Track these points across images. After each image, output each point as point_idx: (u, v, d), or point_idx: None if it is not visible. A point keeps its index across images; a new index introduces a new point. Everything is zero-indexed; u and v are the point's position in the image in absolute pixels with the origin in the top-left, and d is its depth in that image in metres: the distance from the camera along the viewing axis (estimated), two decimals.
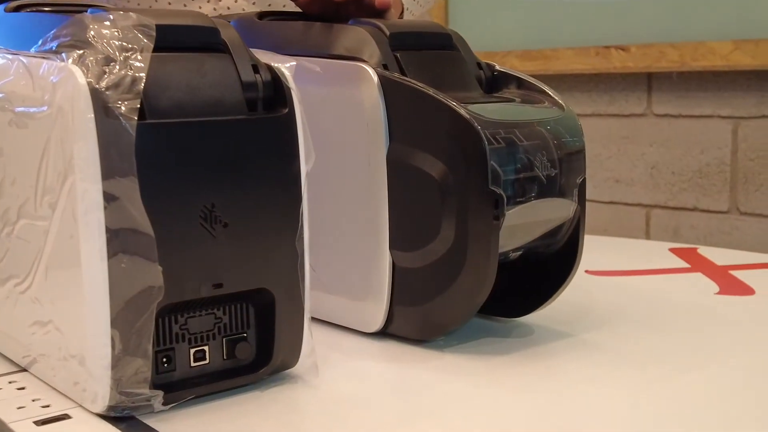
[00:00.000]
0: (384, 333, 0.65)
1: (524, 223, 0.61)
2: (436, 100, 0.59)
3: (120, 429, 0.49)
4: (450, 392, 0.55)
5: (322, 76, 0.64)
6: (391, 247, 0.63)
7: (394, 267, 0.63)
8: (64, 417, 0.51)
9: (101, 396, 0.49)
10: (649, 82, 1.74)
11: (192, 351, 0.52)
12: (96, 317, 0.48)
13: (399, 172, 0.61)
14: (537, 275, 0.67)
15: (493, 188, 0.58)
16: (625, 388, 0.56)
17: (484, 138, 0.58)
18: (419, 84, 0.60)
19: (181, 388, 0.52)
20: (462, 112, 0.58)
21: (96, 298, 0.48)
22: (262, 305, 0.54)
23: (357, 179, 0.64)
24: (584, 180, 0.64)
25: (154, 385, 0.50)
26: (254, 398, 0.54)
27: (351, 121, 0.63)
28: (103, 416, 0.50)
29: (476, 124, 0.58)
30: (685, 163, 1.71)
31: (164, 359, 0.52)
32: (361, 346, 0.64)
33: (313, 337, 0.56)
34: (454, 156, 0.59)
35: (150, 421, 0.50)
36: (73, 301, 0.50)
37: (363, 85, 0.62)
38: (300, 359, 0.56)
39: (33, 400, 0.53)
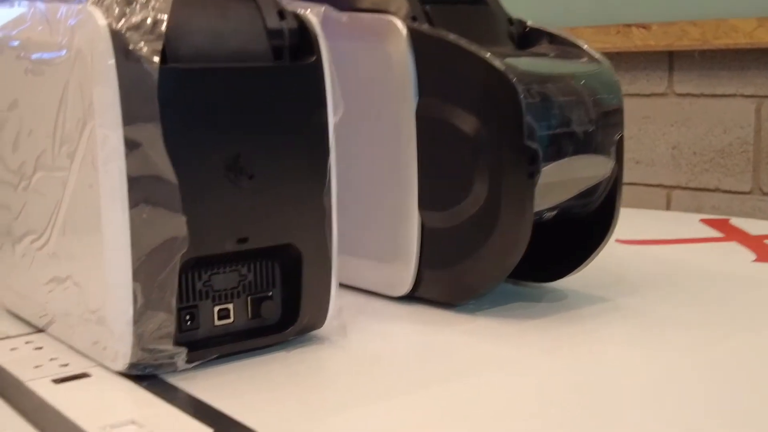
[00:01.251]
0: (412, 297, 0.63)
1: (560, 181, 0.58)
2: (468, 52, 0.57)
3: (142, 387, 0.47)
4: (481, 354, 0.53)
5: (349, 29, 0.62)
6: (419, 207, 0.60)
7: (423, 228, 0.61)
8: (84, 375, 0.49)
9: (122, 353, 0.47)
10: (671, 60, 1.71)
11: (216, 309, 0.50)
12: (117, 270, 0.46)
13: (429, 129, 0.59)
14: (570, 238, 0.64)
15: (528, 143, 0.55)
16: (662, 353, 0.53)
17: (519, 90, 0.55)
18: (450, 36, 0.58)
19: (204, 346, 0.50)
20: (496, 63, 0.56)
21: (117, 249, 0.46)
22: (289, 263, 0.52)
23: (385, 137, 0.61)
24: (622, 137, 0.61)
25: (177, 343, 0.48)
26: (280, 358, 0.52)
27: (379, 76, 0.61)
28: (124, 374, 0.48)
29: (511, 76, 0.55)
30: (707, 143, 1.67)
31: (187, 317, 0.49)
32: (389, 310, 0.62)
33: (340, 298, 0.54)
34: (487, 110, 0.56)
35: (172, 380, 0.48)
36: (93, 254, 0.47)
37: (391, 38, 0.59)
38: (327, 320, 0.54)
39: (51, 360, 0.51)
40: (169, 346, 0.47)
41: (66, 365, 0.50)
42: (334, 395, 0.47)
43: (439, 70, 0.58)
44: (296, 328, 0.53)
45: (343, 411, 0.45)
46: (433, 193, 0.60)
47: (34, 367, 0.49)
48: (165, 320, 0.47)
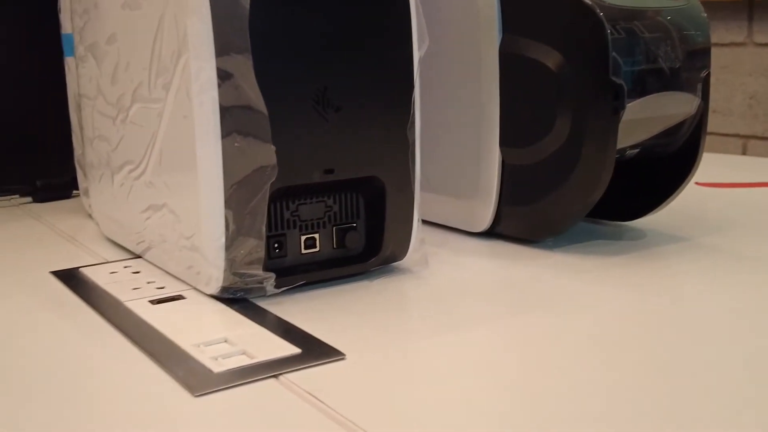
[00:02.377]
0: (491, 233, 0.62)
1: (644, 119, 0.56)
2: None
3: (233, 309, 0.47)
4: (560, 287, 0.52)
5: None
6: (500, 144, 0.59)
7: (504, 164, 0.59)
8: (179, 297, 0.49)
9: (215, 278, 0.48)
10: (750, 9, 1.64)
11: (303, 238, 0.50)
12: (210, 197, 0.46)
13: (512, 64, 0.57)
14: (651, 177, 0.62)
15: (613, 79, 0.53)
16: (746, 293, 0.51)
17: (606, 25, 0.53)
18: None
19: (291, 273, 0.50)
20: None
21: (210, 177, 0.46)
22: (373, 195, 0.52)
23: (467, 73, 0.60)
24: (708, 74, 0.58)
25: (266, 270, 0.48)
26: (364, 287, 0.52)
27: (462, 11, 0.59)
28: (217, 297, 0.49)
29: (598, 11, 0.53)
30: None
31: (276, 245, 0.50)
32: (469, 245, 0.61)
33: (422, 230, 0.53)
34: (572, 45, 0.54)
35: (262, 304, 0.48)
36: (187, 182, 0.48)
37: None
38: (409, 252, 0.54)
39: (148, 282, 0.52)
40: (258, 271, 0.47)
41: (162, 288, 0.51)
42: (414, 323, 0.47)
43: (524, 6, 0.57)
44: (379, 259, 0.53)
45: (423, 338, 0.45)
46: (514, 130, 0.58)
47: (132, 289, 0.50)
48: (255, 246, 0.47)
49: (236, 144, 0.46)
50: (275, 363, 0.40)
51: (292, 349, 0.42)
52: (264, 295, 0.49)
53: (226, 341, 0.43)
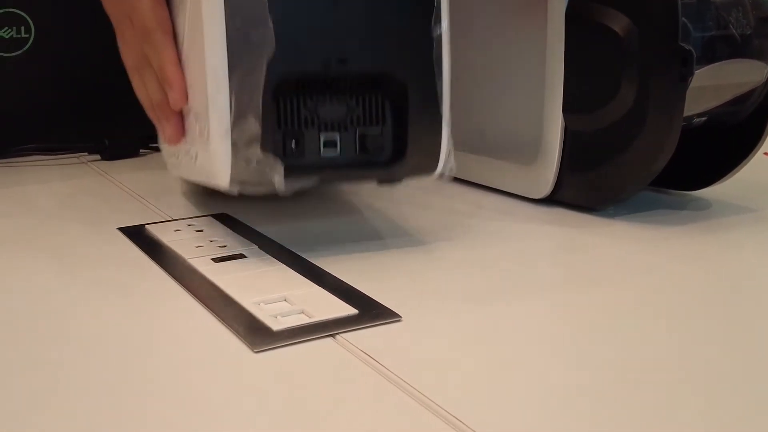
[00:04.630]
0: (552, 200, 0.61)
1: (713, 86, 0.55)
2: None
3: (292, 269, 0.48)
4: (620, 256, 0.52)
5: None
6: (564, 110, 0.58)
7: (566, 130, 0.59)
8: (240, 256, 0.50)
9: (224, 168, 0.47)
10: None
11: (322, 138, 0.49)
12: (215, 79, 0.46)
13: (578, 29, 0.57)
14: (718, 147, 0.61)
15: (682, 45, 0.52)
16: None
17: None
18: None
19: (308, 173, 0.49)
20: None
21: (214, 62, 0.46)
22: (398, 99, 0.49)
23: (533, 37, 0.59)
24: None
25: (283, 169, 0.47)
26: (421, 251, 0.52)
27: None
28: (276, 258, 0.50)
29: None
30: None
31: (292, 141, 0.48)
32: (528, 211, 0.61)
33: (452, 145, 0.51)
34: (640, 9, 0.53)
35: (320, 264, 0.49)
36: (199, 72, 0.48)
37: None
38: (439, 167, 0.51)
39: (210, 241, 0.53)
40: (257, 152, 0.46)
41: (224, 246, 0.52)
42: (471, 287, 0.47)
43: None
44: (404, 168, 0.50)
45: (479, 303, 0.45)
46: (578, 96, 0.58)
47: (196, 247, 0.52)
48: (253, 125, 0.46)
49: (237, 27, 0.46)
50: (332, 323, 0.41)
51: (349, 310, 0.42)
52: (278, 194, 0.48)
53: (285, 300, 0.44)
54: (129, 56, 0.56)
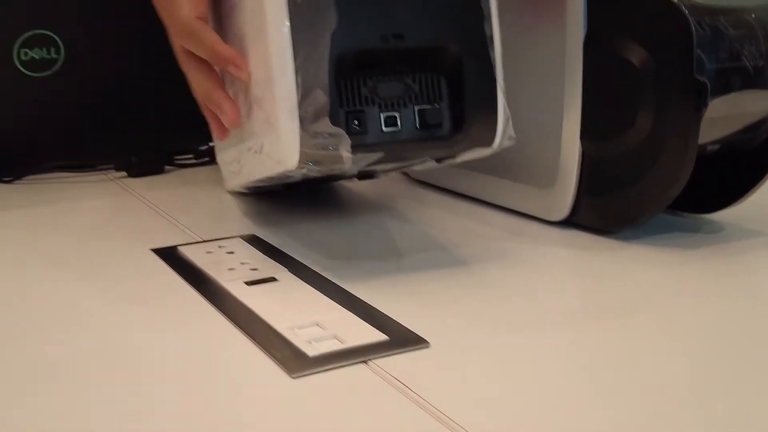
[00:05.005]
0: (569, 222, 0.63)
1: (726, 116, 0.57)
2: None
3: (322, 293, 0.50)
4: (636, 279, 0.53)
5: None
6: (582, 136, 0.60)
7: (584, 156, 0.60)
8: (271, 279, 0.52)
9: (292, 146, 0.48)
10: None
11: (383, 116, 0.51)
12: (280, 55, 0.48)
13: (596, 59, 0.58)
14: (732, 171, 0.63)
15: (697, 76, 0.54)
16: None
17: (691, 22, 0.53)
18: None
19: (373, 148, 0.50)
20: None
21: (277, 34, 0.48)
22: (454, 76, 0.51)
23: (551, 65, 0.61)
24: None
25: (350, 147, 0.48)
26: (445, 275, 0.54)
27: (548, 5, 0.60)
28: (306, 281, 0.51)
29: (683, 9, 0.54)
30: None
31: (355, 121, 0.50)
32: (546, 234, 0.62)
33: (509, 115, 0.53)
34: (657, 42, 0.55)
35: (352, 290, 0.51)
36: (261, 57, 0.50)
37: None
38: (497, 140, 0.53)
39: (242, 264, 0.54)
40: (327, 125, 0.48)
41: (255, 269, 0.53)
42: (494, 312, 0.49)
43: (610, 2, 0.57)
44: (463, 139, 0.52)
45: (503, 328, 0.47)
46: (596, 123, 0.59)
47: (228, 270, 0.53)
48: (320, 97, 0.48)
49: (298, 3, 0.48)
50: (364, 349, 0.43)
51: (379, 336, 0.44)
52: (344, 169, 0.50)
53: (317, 325, 0.46)
54: (181, 56, 0.57)
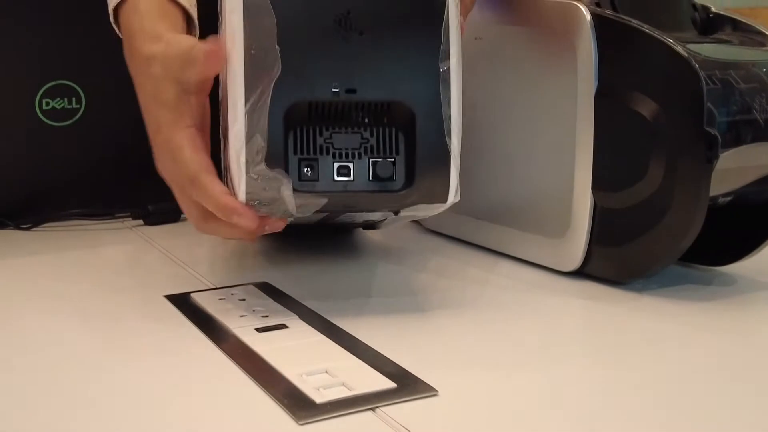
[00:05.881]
0: (580, 272, 0.63)
1: (737, 168, 0.57)
2: (651, 37, 0.56)
3: (332, 340, 0.50)
4: (646, 331, 0.53)
5: (532, 12, 0.62)
6: (593, 187, 0.60)
7: (595, 206, 0.61)
8: (282, 326, 0.52)
9: (242, 184, 0.50)
10: None
11: (336, 165, 0.52)
12: (235, 104, 0.50)
13: (607, 111, 0.59)
14: (744, 224, 0.63)
15: (707, 129, 0.54)
16: None
17: (701, 77, 0.54)
18: (634, 21, 0.57)
19: (321, 198, 0.51)
20: (679, 49, 0.55)
21: (234, 85, 0.50)
22: (409, 132, 0.52)
23: (563, 117, 0.61)
24: None
25: (298, 192, 0.50)
26: (455, 323, 0.54)
27: (560, 58, 0.61)
28: (316, 328, 0.52)
29: (694, 63, 0.54)
30: None
31: (307, 168, 0.51)
32: (557, 284, 0.62)
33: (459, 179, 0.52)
34: (668, 95, 0.56)
35: (358, 335, 0.51)
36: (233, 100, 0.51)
37: (575, 23, 0.60)
38: (450, 197, 0.52)
39: (253, 311, 0.55)
40: (263, 168, 0.50)
41: (266, 316, 0.54)
42: (503, 359, 0.49)
43: (622, 55, 0.58)
44: (414, 194, 0.52)
45: (511, 376, 0.47)
46: (607, 174, 0.60)
47: (240, 317, 0.54)
48: (260, 143, 0.49)
49: (252, 52, 0.49)
50: (372, 396, 0.43)
51: (387, 383, 0.44)
52: (291, 213, 0.50)
53: (326, 372, 0.46)
54: (168, 176, 0.56)
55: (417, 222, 0.79)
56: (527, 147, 0.65)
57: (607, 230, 0.60)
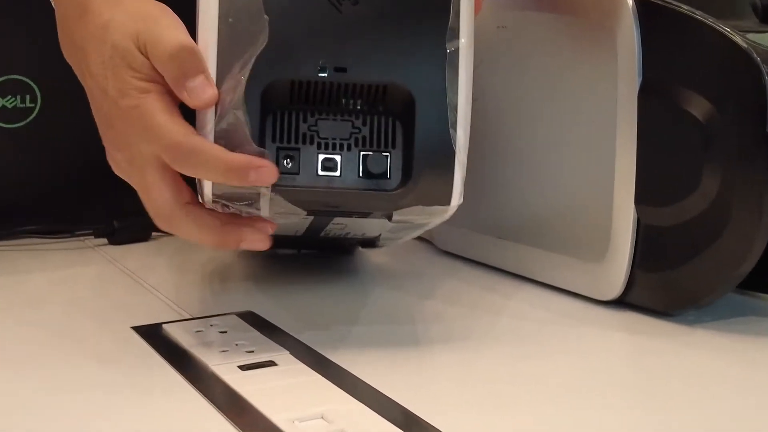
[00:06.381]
0: (621, 302, 0.63)
1: None
2: (705, 25, 0.56)
3: (327, 378, 0.50)
4: (701, 371, 0.53)
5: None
6: (636, 201, 0.60)
7: (639, 224, 0.61)
8: (270, 363, 0.52)
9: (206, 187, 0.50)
10: None
11: (320, 157, 0.51)
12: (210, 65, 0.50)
13: (652, 112, 0.59)
14: None
15: None
16: None
17: (764, 72, 0.54)
18: (684, 7, 0.58)
19: (301, 195, 0.51)
20: (737, 39, 0.55)
21: (208, 57, 0.50)
22: (408, 121, 0.51)
23: (601, 119, 0.61)
24: None
25: (273, 186, 0.50)
26: (466, 359, 0.53)
27: (598, 51, 0.61)
28: (310, 365, 0.51)
29: (755, 55, 0.54)
30: None
31: (286, 159, 0.51)
32: (594, 315, 0.62)
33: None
34: (724, 92, 0.56)
35: (357, 373, 0.51)
36: None
37: (615, 9, 0.60)
38: (453, 202, 0.52)
39: (236, 344, 0.54)
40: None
41: (251, 351, 0.53)
42: (527, 403, 0.48)
43: (670, 47, 0.58)
44: (410, 194, 0.51)
45: (535, 424, 0.46)
46: (653, 186, 0.60)
47: (220, 352, 0.53)
48: (236, 121, 0.49)
49: (230, 20, 0.49)
50: None
51: (393, 430, 0.44)
52: (259, 213, 0.51)
53: (322, 417, 0.45)
54: (130, 154, 0.53)
55: (427, 241, 0.78)
56: (558, 153, 0.65)
57: (652, 252, 0.60)
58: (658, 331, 0.59)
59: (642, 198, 0.60)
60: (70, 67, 0.74)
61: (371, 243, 0.68)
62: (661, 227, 0.60)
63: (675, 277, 0.60)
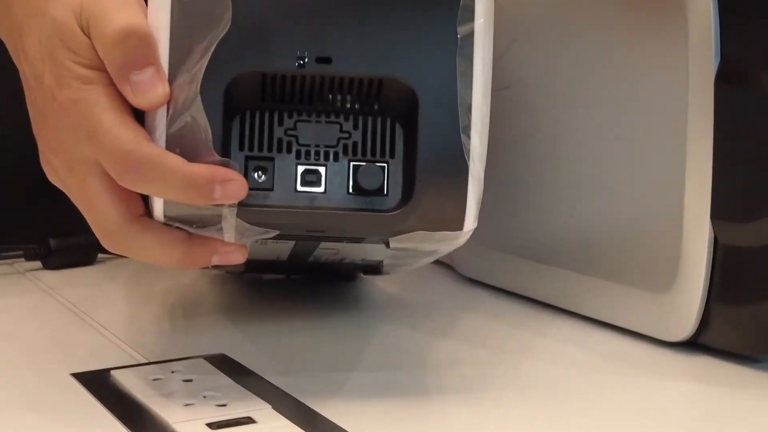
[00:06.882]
0: (694, 343, 0.61)
1: None
2: None
3: None
4: None
5: None
6: (713, 216, 0.58)
7: (716, 245, 0.59)
8: (247, 421, 0.50)
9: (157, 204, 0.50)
10: None
11: (300, 169, 0.50)
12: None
13: (732, 103, 0.57)
14: None
15: None
16: None
17: None
18: None
19: (276, 216, 0.50)
20: None
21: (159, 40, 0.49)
22: (410, 125, 0.50)
23: (667, 112, 0.60)
24: None
25: (240, 204, 0.49)
26: (480, 417, 0.51)
27: (665, 28, 0.60)
28: (295, 422, 0.50)
29: None
30: None
31: (257, 170, 0.50)
32: (659, 360, 0.61)
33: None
34: None
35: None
36: None
37: None
38: (467, 225, 0.51)
39: (204, 396, 0.53)
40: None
41: (223, 405, 0.52)
42: None
43: (753, 23, 0.57)
44: (412, 215, 0.50)
45: None
46: (733, 197, 0.58)
47: (184, 406, 0.52)
48: (192, 124, 0.48)
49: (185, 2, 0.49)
50: None
51: None
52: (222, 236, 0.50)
53: None
54: (68, 154, 0.53)
55: (447, 265, 0.78)
56: (612, 157, 0.64)
57: (733, 280, 0.59)
58: (741, 381, 0.58)
59: (720, 212, 0.58)
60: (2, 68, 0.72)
61: (375, 269, 0.68)
62: (745, 248, 0.58)
63: (760, 313, 0.58)
